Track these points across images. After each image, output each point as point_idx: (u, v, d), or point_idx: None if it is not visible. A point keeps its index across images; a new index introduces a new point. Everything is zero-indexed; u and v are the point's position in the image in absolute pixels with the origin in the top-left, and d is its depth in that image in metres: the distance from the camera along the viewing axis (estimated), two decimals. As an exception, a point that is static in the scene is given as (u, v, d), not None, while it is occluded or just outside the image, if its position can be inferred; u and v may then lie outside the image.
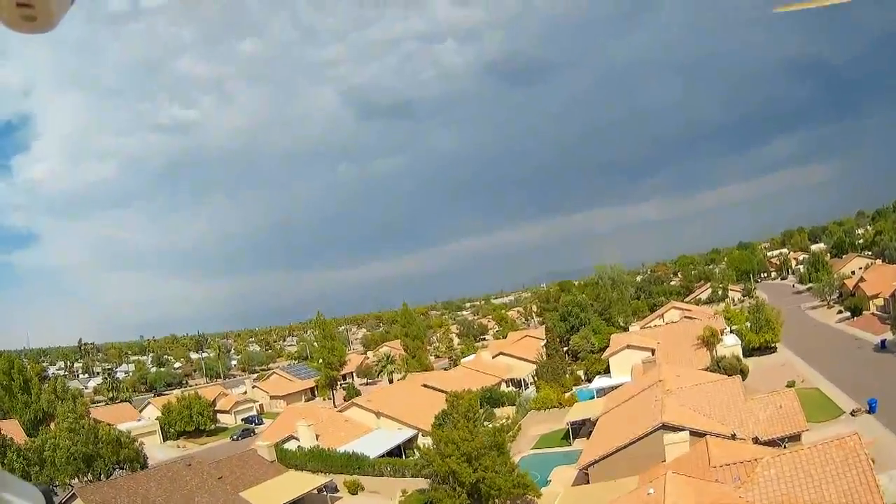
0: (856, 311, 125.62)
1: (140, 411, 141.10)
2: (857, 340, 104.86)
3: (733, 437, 53.99)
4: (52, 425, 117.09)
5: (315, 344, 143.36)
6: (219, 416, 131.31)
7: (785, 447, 55.93)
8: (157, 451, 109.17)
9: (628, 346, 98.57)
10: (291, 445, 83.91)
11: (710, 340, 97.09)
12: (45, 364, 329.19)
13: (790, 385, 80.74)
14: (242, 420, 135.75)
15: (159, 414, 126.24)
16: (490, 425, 67.09)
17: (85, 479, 71.82)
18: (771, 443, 55.86)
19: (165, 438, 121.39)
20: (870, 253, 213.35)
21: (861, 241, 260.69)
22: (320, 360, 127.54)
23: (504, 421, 63.31)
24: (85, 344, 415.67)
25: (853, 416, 66.98)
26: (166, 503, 57.33)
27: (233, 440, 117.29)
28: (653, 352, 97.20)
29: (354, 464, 75.15)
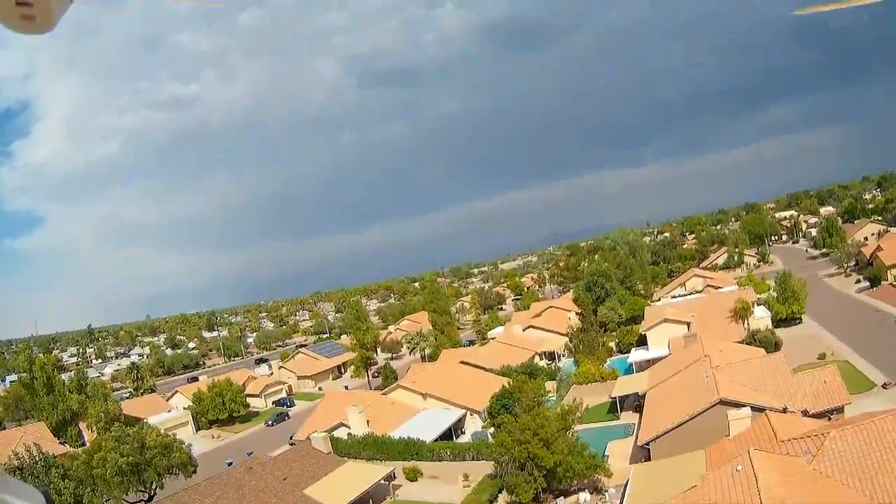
0: (875, 282, 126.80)
1: (167, 400, 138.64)
2: (879, 312, 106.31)
3: (784, 410, 56.36)
4: (83, 425, 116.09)
5: (330, 317, 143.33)
6: (249, 400, 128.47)
7: (830, 419, 59.06)
8: (192, 442, 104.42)
9: (665, 320, 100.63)
10: (341, 432, 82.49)
11: (742, 313, 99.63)
12: (57, 352, 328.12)
13: (821, 357, 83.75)
14: (274, 403, 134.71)
15: (188, 402, 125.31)
16: (556, 407, 69.45)
17: (137, 491, 69.85)
18: (818, 415, 58.66)
19: (198, 428, 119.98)
20: (880, 218, 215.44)
21: (871, 206, 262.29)
22: (354, 342, 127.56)
23: (573, 402, 64.63)
24: (94, 329, 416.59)
25: (885, 388, 69.41)
26: None
27: (267, 426, 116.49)
28: (688, 325, 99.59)
29: (412, 449, 73.71)
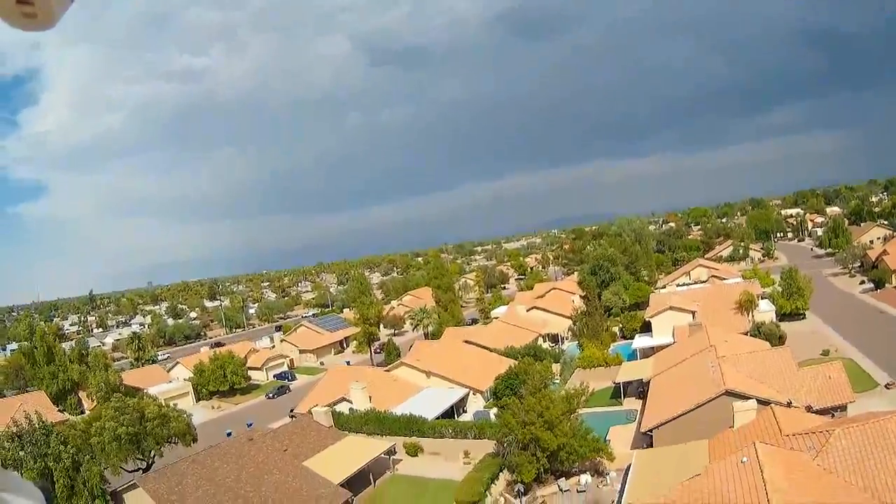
0: (879, 284, 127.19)
1: (168, 371, 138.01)
2: (883, 314, 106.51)
3: (789, 404, 56.40)
4: (82, 395, 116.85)
5: (332, 289, 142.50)
6: (250, 372, 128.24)
7: (834, 416, 59.22)
8: (192, 412, 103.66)
9: (670, 308, 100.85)
10: (343, 407, 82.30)
11: (747, 305, 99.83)
12: (58, 320, 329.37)
13: (825, 354, 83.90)
14: (275, 377, 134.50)
15: (189, 374, 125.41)
16: (560, 390, 69.43)
17: (136, 459, 69.27)
18: (822, 412, 58.79)
19: (198, 399, 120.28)
20: (886, 223, 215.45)
21: (878, 209, 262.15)
22: (357, 316, 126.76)
23: (579, 386, 64.46)
24: (95, 296, 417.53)
25: (888, 388, 69.65)
26: (236, 484, 54.88)
27: (268, 398, 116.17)
28: (693, 314, 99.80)
29: (413, 426, 73.24)
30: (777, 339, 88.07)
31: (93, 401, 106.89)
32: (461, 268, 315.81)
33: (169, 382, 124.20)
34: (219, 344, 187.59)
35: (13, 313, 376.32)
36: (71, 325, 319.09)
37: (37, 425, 55.60)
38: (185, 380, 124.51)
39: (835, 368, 64.92)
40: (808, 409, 58.25)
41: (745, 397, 54.82)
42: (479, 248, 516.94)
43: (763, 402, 54.36)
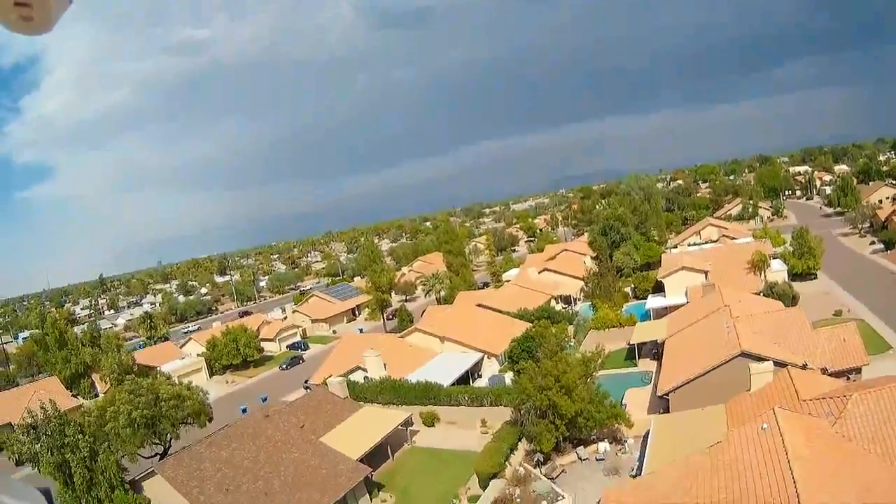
0: (889, 245, 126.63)
1: (181, 347, 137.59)
2: (894, 275, 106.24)
3: (804, 367, 56.28)
4: (96, 377, 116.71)
5: (342, 258, 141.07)
6: (263, 344, 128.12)
7: (849, 379, 59.18)
8: (207, 388, 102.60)
9: (683, 268, 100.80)
10: (357, 376, 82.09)
11: (759, 265, 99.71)
12: (69, 305, 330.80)
13: (837, 314, 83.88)
14: (288, 347, 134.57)
15: (201, 349, 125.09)
16: (575, 351, 69.49)
17: (152, 443, 68.32)
18: (837, 374, 58.74)
19: (212, 374, 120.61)
20: (895, 182, 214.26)
21: (886, 168, 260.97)
22: (369, 284, 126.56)
23: (595, 349, 64.29)
24: (106, 279, 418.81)
25: (901, 351, 69.39)
26: (254, 465, 54.35)
27: (282, 369, 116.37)
28: (706, 274, 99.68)
29: (429, 394, 72.68)
30: (790, 300, 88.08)
31: (106, 383, 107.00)
32: (470, 231, 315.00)
33: (182, 359, 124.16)
34: (247, 313, 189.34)
35: (24, 302, 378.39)
36: (82, 309, 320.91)
37: (52, 415, 55.16)
38: (197, 355, 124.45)
39: (849, 330, 64.58)
40: (824, 371, 58.10)
41: (760, 359, 54.68)
42: (488, 210, 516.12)
43: (779, 364, 54.33)
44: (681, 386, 57.37)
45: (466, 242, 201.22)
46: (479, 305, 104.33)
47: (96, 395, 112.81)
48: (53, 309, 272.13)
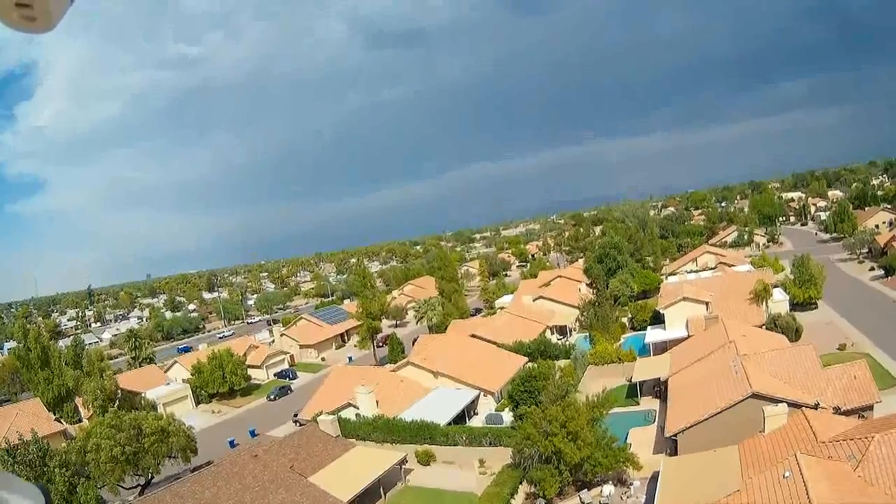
0: (889, 271, 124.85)
1: (166, 371, 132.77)
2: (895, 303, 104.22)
3: (816, 406, 54.20)
4: (79, 401, 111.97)
5: (331, 278, 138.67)
6: (250, 371, 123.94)
7: (861, 417, 57.02)
8: (192, 417, 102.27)
9: (684, 299, 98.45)
10: (349, 412, 79.00)
11: (763, 295, 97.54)
12: (56, 315, 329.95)
13: (841, 348, 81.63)
14: (276, 375, 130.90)
15: (188, 374, 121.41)
16: (576, 391, 66.95)
17: (134, 475, 65.75)
18: (849, 413, 56.60)
19: (198, 402, 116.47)
20: (890, 207, 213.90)
21: (881, 192, 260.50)
22: (360, 310, 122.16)
23: (601, 392, 61.79)
24: (94, 290, 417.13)
25: (910, 386, 67.52)
26: None
27: (269, 400, 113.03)
28: (707, 305, 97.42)
29: (425, 433, 69.97)
30: (794, 333, 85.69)
31: (89, 409, 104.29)
32: (462, 256, 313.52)
33: (167, 384, 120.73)
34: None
35: (12, 309, 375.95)
36: (69, 320, 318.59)
37: (32, 448, 52.63)
38: (183, 380, 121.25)
39: (860, 367, 62.39)
40: (836, 410, 56.05)
41: (772, 400, 52.42)
42: (478, 236, 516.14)
43: (793, 405, 52.09)
44: (690, 427, 55.00)
45: (458, 266, 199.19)
46: (474, 336, 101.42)
47: (80, 420, 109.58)
48: (40, 318, 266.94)
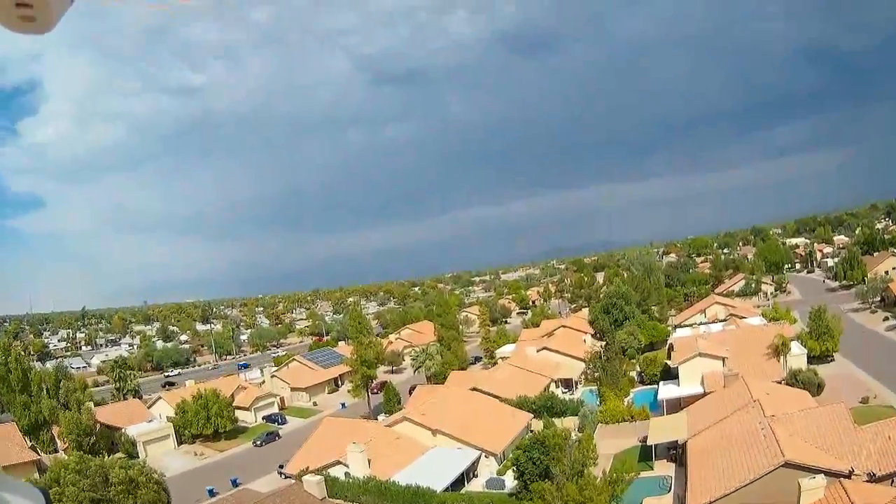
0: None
1: (149, 407, 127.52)
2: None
3: (851, 473, 49.77)
4: (55, 431, 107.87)
5: (327, 318, 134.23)
6: (237, 412, 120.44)
7: (894, 483, 52.44)
8: (172, 458, 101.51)
9: (700, 355, 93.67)
10: (338, 470, 73.71)
11: (783, 350, 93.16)
12: (47, 335, 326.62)
13: (864, 402, 77.84)
14: (264, 419, 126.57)
15: (171, 412, 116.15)
16: (601, 468, 61.84)
17: None
18: (883, 478, 52.06)
19: (180, 442, 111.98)
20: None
21: (888, 236, 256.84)
22: (355, 357, 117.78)
23: (621, 467, 56.76)
24: (88, 312, 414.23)
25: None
26: None
27: (255, 446, 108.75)
28: (724, 361, 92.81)
29: (420, 500, 64.83)
30: (815, 388, 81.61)
31: (64, 442, 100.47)
32: (460, 300, 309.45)
33: (149, 421, 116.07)
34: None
35: (6, 323, 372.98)
36: (59, 340, 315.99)
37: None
38: (167, 418, 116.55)
39: (893, 426, 57.94)
40: (871, 476, 51.40)
41: (807, 469, 47.73)
42: (477, 279, 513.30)
43: (829, 475, 47.39)
44: (716, 500, 50.20)
45: (457, 311, 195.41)
46: (474, 389, 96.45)
47: (56, 451, 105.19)
48: (31, 336, 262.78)
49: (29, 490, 3.74)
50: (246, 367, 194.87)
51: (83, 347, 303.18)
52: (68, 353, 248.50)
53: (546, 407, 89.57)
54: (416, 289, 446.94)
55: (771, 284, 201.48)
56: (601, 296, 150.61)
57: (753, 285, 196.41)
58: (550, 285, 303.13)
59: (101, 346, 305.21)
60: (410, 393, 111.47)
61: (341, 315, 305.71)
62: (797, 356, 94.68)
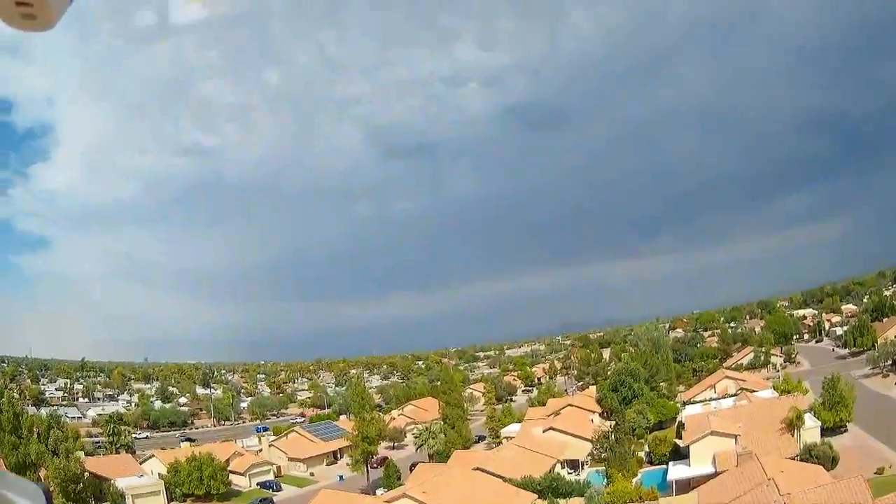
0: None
1: (142, 463, 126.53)
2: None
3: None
4: (42, 474, 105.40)
5: (329, 390, 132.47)
6: (232, 476, 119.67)
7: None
8: None
9: (712, 433, 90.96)
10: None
11: (797, 423, 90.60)
12: (44, 382, 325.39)
13: (879, 472, 75.89)
14: (258, 485, 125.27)
15: (163, 470, 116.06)
16: None
17: None
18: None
19: (171, 500, 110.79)
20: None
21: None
22: (356, 432, 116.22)
23: None
24: (88, 363, 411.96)
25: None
26: None
27: None
28: (736, 438, 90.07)
29: None
30: (830, 461, 79.46)
31: (52, 487, 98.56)
32: (465, 376, 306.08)
33: (140, 476, 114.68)
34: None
35: (4, 364, 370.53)
36: (56, 389, 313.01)
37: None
38: (159, 475, 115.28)
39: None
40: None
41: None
42: (482, 354, 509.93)
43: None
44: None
45: (462, 388, 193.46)
46: (479, 469, 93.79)
47: None
48: (28, 381, 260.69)
49: (30, 488, 3.65)
50: (266, 430, 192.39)
51: (80, 399, 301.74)
52: (64, 402, 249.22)
53: (551, 488, 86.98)
54: (420, 363, 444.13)
55: (780, 356, 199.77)
56: (608, 373, 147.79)
57: (762, 357, 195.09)
58: (556, 362, 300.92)
59: (98, 399, 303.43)
60: (411, 470, 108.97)
61: (344, 388, 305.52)
62: (810, 429, 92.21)
